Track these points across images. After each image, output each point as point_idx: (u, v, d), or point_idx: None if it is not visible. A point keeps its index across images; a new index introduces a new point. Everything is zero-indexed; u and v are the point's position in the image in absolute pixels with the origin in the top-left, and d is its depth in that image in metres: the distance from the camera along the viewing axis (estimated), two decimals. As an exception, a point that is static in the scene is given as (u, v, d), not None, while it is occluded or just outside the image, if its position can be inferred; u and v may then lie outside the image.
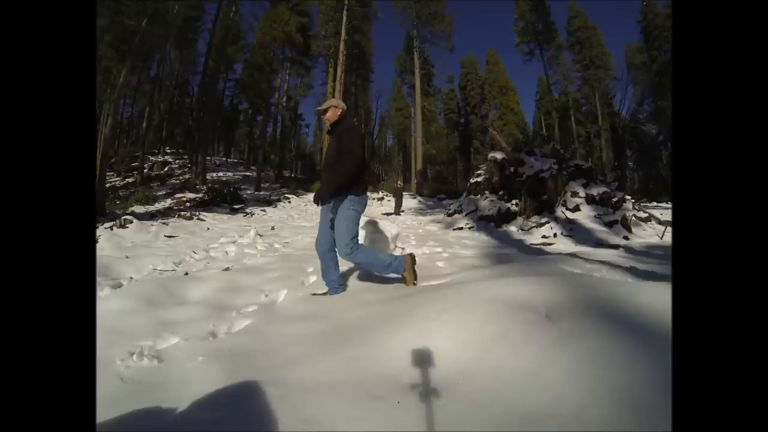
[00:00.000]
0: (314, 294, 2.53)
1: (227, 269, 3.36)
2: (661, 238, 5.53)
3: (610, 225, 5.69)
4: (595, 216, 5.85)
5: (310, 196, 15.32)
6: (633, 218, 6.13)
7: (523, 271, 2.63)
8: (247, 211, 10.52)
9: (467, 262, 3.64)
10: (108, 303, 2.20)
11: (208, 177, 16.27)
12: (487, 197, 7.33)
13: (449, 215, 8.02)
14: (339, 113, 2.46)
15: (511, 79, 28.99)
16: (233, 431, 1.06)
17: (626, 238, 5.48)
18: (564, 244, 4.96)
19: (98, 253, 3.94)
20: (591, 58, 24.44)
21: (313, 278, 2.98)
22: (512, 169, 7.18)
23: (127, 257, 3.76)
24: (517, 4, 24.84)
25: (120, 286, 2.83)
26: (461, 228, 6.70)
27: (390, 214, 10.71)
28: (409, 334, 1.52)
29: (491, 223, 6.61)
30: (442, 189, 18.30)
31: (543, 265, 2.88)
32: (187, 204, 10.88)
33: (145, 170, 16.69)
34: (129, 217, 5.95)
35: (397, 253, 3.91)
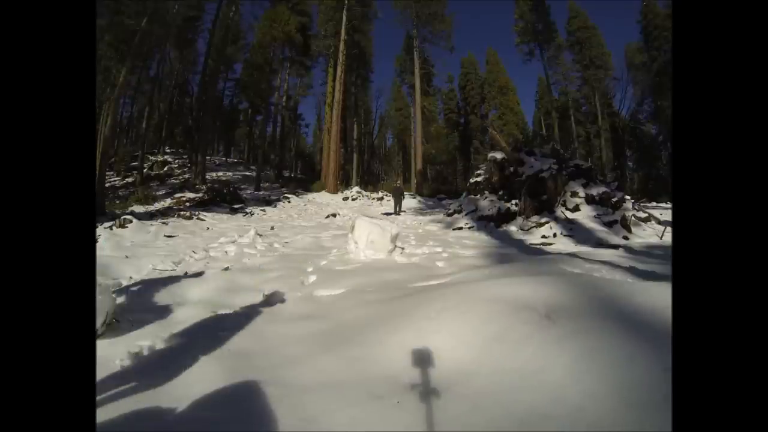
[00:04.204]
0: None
1: (227, 269, 3.36)
2: (661, 238, 5.53)
3: (609, 225, 5.69)
4: (594, 216, 5.85)
5: (310, 195, 15.31)
6: (633, 218, 6.13)
7: (523, 271, 2.63)
8: (247, 210, 10.50)
9: (467, 262, 3.64)
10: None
11: (207, 176, 16.24)
12: (486, 197, 7.33)
13: (449, 215, 8.01)
14: None
15: (511, 79, 28.95)
16: (233, 431, 1.06)
17: (626, 238, 5.48)
18: (564, 244, 4.96)
19: (98, 252, 3.94)
20: (591, 58, 24.42)
21: (312, 278, 2.98)
22: (512, 169, 7.18)
23: (126, 257, 3.76)
24: (517, 4, 24.82)
25: (120, 285, 2.83)
26: (461, 228, 6.70)
27: (390, 214, 10.70)
28: (409, 334, 1.52)
29: (491, 223, 6.61)
30: (442, 189, 18.29)
31: (543, 265, 2.88)
32: (187, 204, 10.86)
33: (145, 170, 16.67)
34: (128, 217, 5.94)
35: (397, 252, 3.91)
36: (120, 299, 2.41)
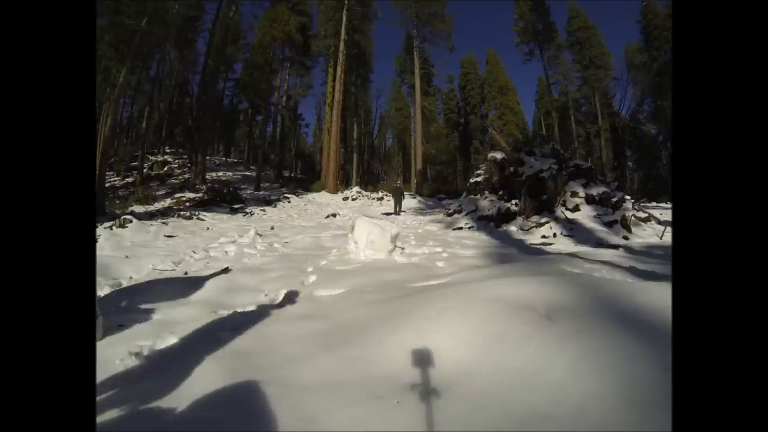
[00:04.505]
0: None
1: (227, 269, 3.36)
2: (661, 238, 5.53)
3: (609, 225, 5.69)
4: (594, 216, 5.85)
5: (310, 195, 15.31)
6: (633, 218, 6.13)
7: (523, 271, 2.63)
8: (247, 210, 10.50)
9: (467, 262, 3.64)
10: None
11: (207, 176, 16.22)
12: (486, 197, 7.33)
13: (449, 215, 8.01)
14: None
15: (511, 79, 28.94)
16: (233, 431, 1.06)
17: (626, 238, 5.48)
18: (564, 244, 4.96)
19: (98, 252, 3.94)
20: (591, 58, 24.42)
21: (312, 278, 2.98)
22: (512, 169, 7.18)
23: (126, 257, 3.76)
24: (517, 4, 24.83)
25: (120, 285, 2.83)
26: (461, 228, 6.70)
27: (390, 214, 10.70)
28: (409, 334, 1.51)
29: (491, 223, 6.61)
30: (442, 189, 18.29)
31: (543, 265, 2.88)
32: (187, 203, 10.85)
33: (145, 170, 16.65)
34: (128, 217, 5.94)
35: (397, 252, 3.90)
36: (120, 299, 2.41)
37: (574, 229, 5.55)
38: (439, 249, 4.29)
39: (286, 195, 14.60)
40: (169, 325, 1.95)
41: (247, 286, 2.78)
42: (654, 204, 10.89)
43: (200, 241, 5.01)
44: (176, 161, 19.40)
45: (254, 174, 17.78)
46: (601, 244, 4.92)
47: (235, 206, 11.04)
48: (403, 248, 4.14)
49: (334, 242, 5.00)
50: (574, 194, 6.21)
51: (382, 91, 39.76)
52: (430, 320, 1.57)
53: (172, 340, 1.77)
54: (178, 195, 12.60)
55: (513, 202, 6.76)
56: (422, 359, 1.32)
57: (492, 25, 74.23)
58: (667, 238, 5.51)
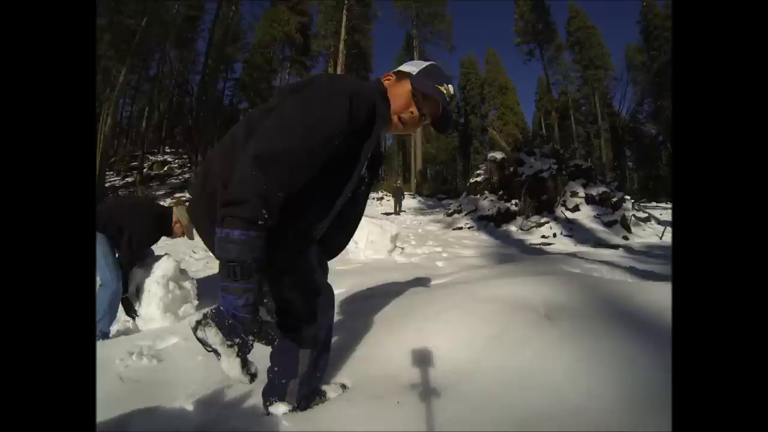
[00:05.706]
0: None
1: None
2: (661, 238, 5.54)
3: (609, 225, 5.70)
4: (594, 216, 5.86)
5: (310, 195, 15.28)
6: (632, 218, 6.15)
7: (522, 271, 2.63)
8: (247, 210, 10.48)
9: (467, 262, 3.64)
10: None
11: (207, 176, 16.21)
12: (486, 197, 7.34)
13: (449, 215, 8.02)
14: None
15: (510, 79, 28.94)
16: (233, 431, 1.06)
17: (626, 238, 5.49)
18: (564, 244, 4.96)
19: (98, 252, 3.92)
20: (591, 58, 24.44)
21: (312, 278, 2.98)
22: (512, 169, 7.19)
23: (126, 257, 3.75)
24: (517, 4, 24.85)
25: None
26: (461, 228, 6.71)
27: (390, 213, 10.71)
28: (409, 334, 1.51)
29: (491, 223, 6.62)
30: (441, 189, 18.32)
31: (543, 264, 2.88)
32: (187, 203, 10.84)
33: (145, 170, 16.67)
34: (129, 217, 5.92)
35: (397, 252, 3.90)
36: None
37: (574, 229, 5.56)
38: (439, 249, 4.29)
39: (286, 195, 14.57)
40: (169, 324, 1.95)
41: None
42: (654, 204, 10.89)
43: (200, 241, 5.01)
44: (176, 161, 19.40)
45: (254, 174, 17.73)
46: (601, 244, 4.92)
47: (235, 206, 11.00)
48: (403, 248, 4.14)
49: (334, 242, 4.99)
50: (574, 194, 6.22)
51: (382, 91, 39.60)
52: (430, 320, 1.57)
53: (173, 339, 1.77)
54: (178, 195, 12.59)
55: (513, 202, 6.76)
56: (422, 359, 1.31)
57: (492, 25, 74.24)
58: (667, 238, 5.51)
